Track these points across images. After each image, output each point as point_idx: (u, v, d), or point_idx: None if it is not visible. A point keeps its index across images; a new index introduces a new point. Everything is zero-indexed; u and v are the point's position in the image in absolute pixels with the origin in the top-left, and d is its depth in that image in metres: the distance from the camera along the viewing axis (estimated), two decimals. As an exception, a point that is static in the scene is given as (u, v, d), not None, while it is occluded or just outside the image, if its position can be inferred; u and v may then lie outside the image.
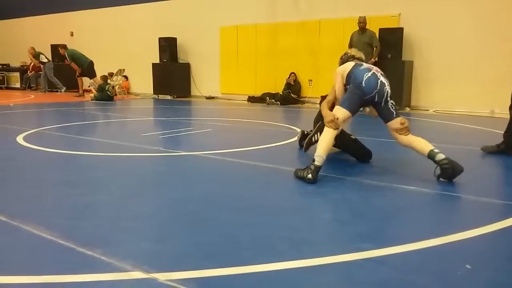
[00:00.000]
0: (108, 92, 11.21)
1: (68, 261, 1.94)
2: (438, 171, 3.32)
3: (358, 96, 3.56)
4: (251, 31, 11.52)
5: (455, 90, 8.90)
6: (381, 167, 3.88)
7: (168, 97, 12.49)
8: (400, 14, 9.37)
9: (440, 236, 2.22)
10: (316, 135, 4.11)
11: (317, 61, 10.46)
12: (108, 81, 11.90)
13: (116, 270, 1.84)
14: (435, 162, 3.33)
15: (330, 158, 4.16)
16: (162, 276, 1.78)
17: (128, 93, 13.70)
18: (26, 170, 3.73)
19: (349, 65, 3.86)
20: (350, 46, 9.27)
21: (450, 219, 2.61)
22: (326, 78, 10.31)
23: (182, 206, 2.77)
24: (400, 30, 9.11)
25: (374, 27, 9.14)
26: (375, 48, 9.04)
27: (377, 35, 9.11)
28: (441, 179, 3.32)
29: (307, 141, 4.28)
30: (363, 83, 3.52)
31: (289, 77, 10.63)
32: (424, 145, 3.46)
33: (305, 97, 10.65)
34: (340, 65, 4.07)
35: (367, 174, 3.61)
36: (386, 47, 9.07)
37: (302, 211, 2.69)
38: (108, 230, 2.34)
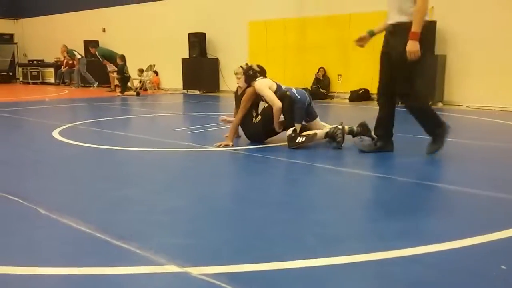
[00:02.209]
0: (125, 73, 11.48)
1: (105, 253, 2.00)
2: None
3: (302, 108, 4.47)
4: (279, 26, 11.48)
5: (490, 85, 8.64)
6: (412, 164, 3.82)
7: (197, 92, 12.61)
8: (433, 7, 9.15)
9: (475, 236, 2.18)
10: (300, 138, 4.39)
11: (347, 56, 10.34)
12: (140, 76, 12.13)
13: (151, 264, 1.89)
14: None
15: (360, 155, 4.13)
16: (195, 270, 1.82)
17: (158, 88, 13.90)
18: (63, 164, 3.85)
19: (271, 83, 4.59)
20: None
21: (485, 219, 2.55)
22: (355, 73, 10.20)
23: (212, 201, 2.81)
24: (433, 23, 8.90)
25: (405, 21, 8.96)
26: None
27: (409, 28, 8.93)
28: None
29: (294, 142, 4.36)
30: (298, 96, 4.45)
31: (318, 72, 10.56)
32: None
33: (334, 92, 10.57)
34: (246, 78, 4.68)
35: (397, 171, 3.56)
36: (419, 41, 8.88)
37: (332, 208, 2.69)
38: (142, 224, 2.39)
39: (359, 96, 9.91)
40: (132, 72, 12.52)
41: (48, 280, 1.79)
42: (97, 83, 13.59)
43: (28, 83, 16.95)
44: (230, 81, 12.69)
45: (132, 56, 13.00)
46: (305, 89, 4.66)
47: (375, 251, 2.01)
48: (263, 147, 4.45)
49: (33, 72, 17.12)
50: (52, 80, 16.50)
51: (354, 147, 4.37)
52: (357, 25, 10.15)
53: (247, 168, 3.77)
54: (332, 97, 10.47)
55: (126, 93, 11.81)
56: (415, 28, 3.66)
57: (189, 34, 12.43)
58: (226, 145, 4.36)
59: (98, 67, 13.51)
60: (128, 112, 8.42)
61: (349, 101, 9.94)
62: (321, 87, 10.46)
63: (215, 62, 12.82)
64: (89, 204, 2.73)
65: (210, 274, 1.78)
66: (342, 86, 10.39)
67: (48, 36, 17.78)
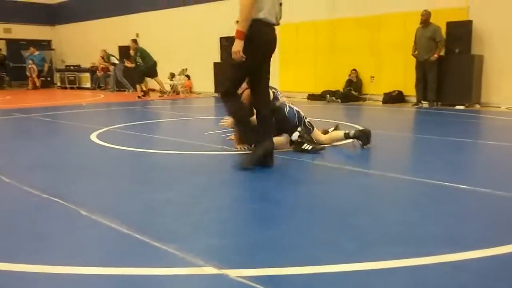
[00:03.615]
0: (137, 62, 11.82)
1: (144, 254, 2.05)
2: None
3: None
4: (310, 28, 11.46)
5: (530, 85, 8.36)
6: (450, 168, 3.73)
7: (229, 95, 12.69)
8: (468, 6, 8.93)
9: (519, 242, 2.11)
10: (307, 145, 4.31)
11: (379, 57, 10.22)
12: (170, 81, 12.29)
13: (189, 265, 1.92)
14: None
15: (391, 158, 4.06)
16: (232, 273, 1.84)
17: (191, 92, 14.10)
18: (102, 167, 3.96)
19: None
20: (414, 41, 8.99)
21: (529, 224, 2.47)
22: (388, 74, 10.05)
23: (247, 204, 2.83)
24: (469, 23, 8.69)
25: (441, 20, 8.77)
26: (438, 43, 8.68)
27: (443, 28, 8.75)
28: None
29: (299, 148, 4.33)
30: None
31: (350, 74, 10.47)
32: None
33: (367, 94, 10.45)
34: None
35: (436, 174, 3.49)
36: (454, 41, 8.69)
37: (366, 211, 2.66)
38: (180, 225, 2.44)
39: (393, 98, 9.77)
40: (163, 76, 12.73)
41: (89, 279, 1.84)
42: (132, 88, 13.90)
43: (66, 88, 17.50)
44: (261, 84, 12.75)
45: (165, 61, 13.23)
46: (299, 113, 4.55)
47: (412, 257, 1.98)
48: (287, 151, 4.45)
49: (70, 77, 17.67)
50: (88, 85, 16.98)
51: (382, 149, 4.31)
52: (387, 26, 10.03)
53: (279, 171, 3.78)
54: (364, 99, 10.36)
55: (143, 96, 11.98)
56: (238, 26, 3.39)
57: (221, 38, 12.57)
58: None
59: (132, 72, 13.78)
60: (162, 115, 8.57)
61: (383, 103, 9.80)
62: (354, 89, 10.37)
63: (246, 65, 12.91)
64: (128, 206, 2.79)
65: (248, 277, 1.80)
66: (375, 88, 10.27)
67: (84, 42, 18.33)
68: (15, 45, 18.96)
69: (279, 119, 4.34)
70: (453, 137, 4.46)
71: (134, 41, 12.42)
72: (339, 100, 10.17)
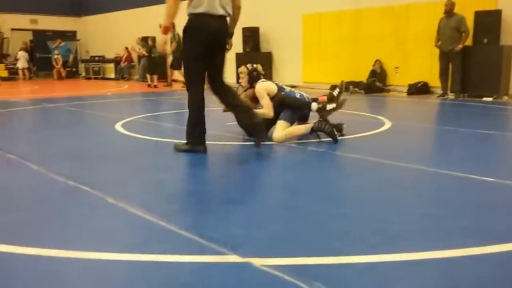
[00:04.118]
0: (152, 54, 12.15)
1: (169, 242, 2.08)
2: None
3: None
4: (334, 18, 11.31)
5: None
6: (477, 160, 3.66)
7: (251, 86, 12.69)
8: (499, -4, 8.67)
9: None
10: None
11: (405, 48, 10.03)
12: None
13: (213, 253, 1.94)
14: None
15: (415, 149, 4.00)
16: (257, 261, 1.85)
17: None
18: (126, 156, 4.02)
19: (271, 86, 4.52)
20: (438, 32, 8.80)
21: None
22: (414, 65, 9.87)
23: (270, 194, 2.84)
24: (498, 12, 8.44)
25: (469, 10, 8.55)
26: (463, 34, 8.47)
27: (471, 18, 8.52)
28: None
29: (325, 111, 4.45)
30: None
31: (374, 65, 10.32)
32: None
33: (391, 85, 10.29)
34: (249, 79, 4.69)
35: (462, 166, 3.43)
36: (482, 31, 8.46)
37: (393, 204, 2.63)
38: (204, 214, 2.46)
39: (418, 89, 9.60)
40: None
41: (117, 265, 1.88)
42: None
43: (90, 78, 17.77)
44: (283, 75, 12.69)
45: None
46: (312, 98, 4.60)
47: (438, 249, 1.95)
48: (322, 140, 4.43)
49: (94, 68, 17.94)
50: (112, 75, 17.20)
51: (407, 141, 4.25)
52: (416, 16, 9.82)
53: (304, 163, 3.77)
54: (388, 91, 10.21)
55: (152, 84, 12.25)
56: (163, 21, 3.79)
57: (243, 29, 12.53)
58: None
59: (158, 63, 13.84)
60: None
61: (407, 94, 9.64)
62: (378, 80, 10.22)
63: (269, 56, 12.85)
64: (153, 194, 2.84)
65: (273, 266, 1.81)
66: (399, 79, 10.10)
67: (108, 33, 18.53)
68: (41, 36, 19.31)
69: (295, 105, 4.42)
70: (480, 129, 4.37)
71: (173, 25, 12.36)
72: (363, 91, 10.06)
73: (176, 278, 1.77)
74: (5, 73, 16.87)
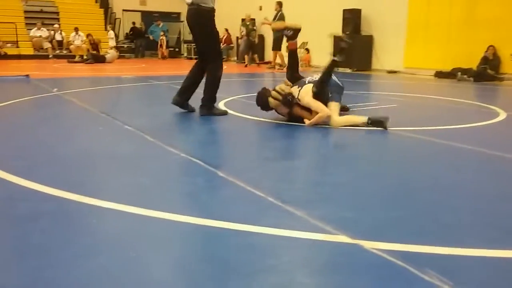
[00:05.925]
0: (250, 38, 12.59)
1: (278, 217, 2.14)
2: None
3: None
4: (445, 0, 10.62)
5: None
6: None
7: (348, 70, 12.43)
8: None
9: None
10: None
11: (524, 33, 9.15)
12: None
13: (321, 231, 1.97)
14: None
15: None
16: (367, 244, 1.85)
17: (309, 65, 14.06)
18: (232, 133, 4.19)
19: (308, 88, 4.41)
20: None
21: None
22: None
23: (378, 180, 2.79)
24: None
25: None
26: None
27: None
28: None
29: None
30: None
31: (487, 51, 9.55)
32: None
33: (505, 74, 9.47)
34: (287, 105, 4.45)
35: None
36: None
37: (510, 199, 2.46)
38: (311, 194, 2.50)
39: (536, 78, 8.74)
40: (282, 49, 12.78)
41: (228, 234, 1.97)
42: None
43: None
44: (383, 60, 12.24)
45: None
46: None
47: None
48: (427, 129, 4.24)
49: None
50: (211, 56, 17.79)
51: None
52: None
53: (410, 150, 3.65)
54: (501, 79, 9.41)
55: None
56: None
57: (344, 11, 12.25)
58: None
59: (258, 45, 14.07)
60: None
61: (524, 84, 8.83)
62: (490, 67, 9.46)
63: (369, 39, 12.46)
64: (261, 171, 2.93)
65: (384, 250, 1.80)
66: (515, 67, 9.27)
67: (210, 15, 19.11)
68: (149, 17, 20.51)
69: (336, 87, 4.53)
70: None
71: (279, 3, 12.51)
72: (472, 79, 9.38)
73: (288, 251, 1.82)
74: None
